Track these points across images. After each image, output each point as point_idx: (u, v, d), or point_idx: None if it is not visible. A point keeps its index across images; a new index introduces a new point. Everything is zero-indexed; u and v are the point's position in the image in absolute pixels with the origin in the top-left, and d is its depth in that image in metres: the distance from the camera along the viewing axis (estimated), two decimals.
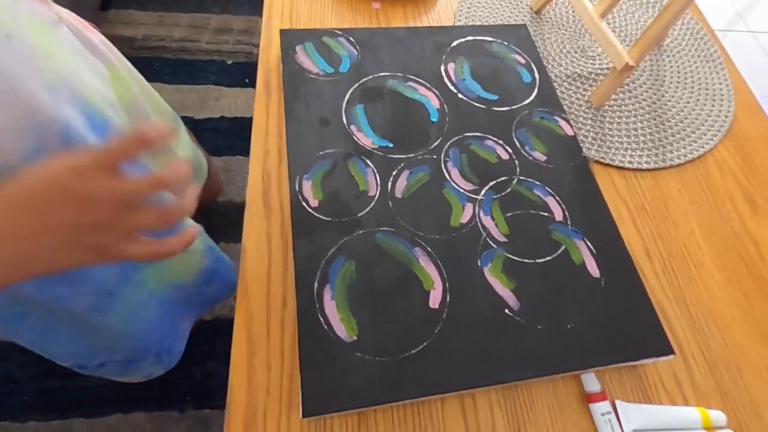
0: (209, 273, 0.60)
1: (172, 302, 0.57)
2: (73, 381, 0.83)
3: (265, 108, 0.50)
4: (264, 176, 0.46)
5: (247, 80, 1.27)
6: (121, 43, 0.63)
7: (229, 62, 1.30)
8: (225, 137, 1.17)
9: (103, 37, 0.51)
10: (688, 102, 0.57)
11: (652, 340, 0.38)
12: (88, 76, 0.41)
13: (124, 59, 0.54)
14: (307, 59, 0.50)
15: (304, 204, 0.41)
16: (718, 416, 0.37)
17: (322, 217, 0.41)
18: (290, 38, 0.51)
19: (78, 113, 0.37)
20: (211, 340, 0.89)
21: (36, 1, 0.38)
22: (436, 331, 0.36)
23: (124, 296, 0.48)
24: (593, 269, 0.40)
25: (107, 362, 0.52)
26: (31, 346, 0.46)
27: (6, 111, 0.31)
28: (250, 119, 0.49)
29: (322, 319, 0.36)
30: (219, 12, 1.39)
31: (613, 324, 0.38)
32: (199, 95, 1.24)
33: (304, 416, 0.33)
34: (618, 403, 0.37)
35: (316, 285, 0.37)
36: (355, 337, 0.35)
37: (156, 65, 1.27)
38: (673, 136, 0.54)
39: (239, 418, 0.35)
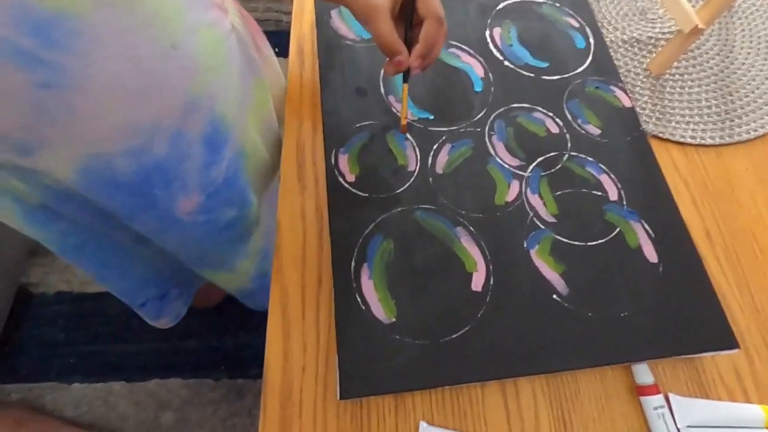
0: (246, 293, 0.63)
1: None
2: (114, 347, 0.87)
3: (298, 77, 0.48)
4: (298, 148, 0.44)
5: (276, 50, 1.24)
6: None
7: None
8: None
9: (269, 52, 0.54)
10: (761, 70, 0.51)
11: (715, 333, 0.35)
12: (233, 95, 0.41)
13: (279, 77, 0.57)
14: (343, 24, 0.47)
15: (340, 179, 0.39)
16: None
17: (359, 192, 0.39)
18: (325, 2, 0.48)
19: (204, 124, 0.38)
20: (243, 312, 0.90)
21: (216, 8, 0.37)
22: (479, 315, 0.34)
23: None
24: (650, 254, 0.37)
25: (146, 302, 0.58)
26: (97, 278, 0.52)
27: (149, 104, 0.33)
28: None
29: (359, 299, 0.35)
30: None
31: (671, 314, 0.35)
32: None
33: (341, 398, 0.32)
34: (672, 396, 0.35)
35: (353, 264, 0.36)
36: (394, 319, 0.34)
37: None
38: (743, 108, 0.49)
39: (275, 395, 0.35)
